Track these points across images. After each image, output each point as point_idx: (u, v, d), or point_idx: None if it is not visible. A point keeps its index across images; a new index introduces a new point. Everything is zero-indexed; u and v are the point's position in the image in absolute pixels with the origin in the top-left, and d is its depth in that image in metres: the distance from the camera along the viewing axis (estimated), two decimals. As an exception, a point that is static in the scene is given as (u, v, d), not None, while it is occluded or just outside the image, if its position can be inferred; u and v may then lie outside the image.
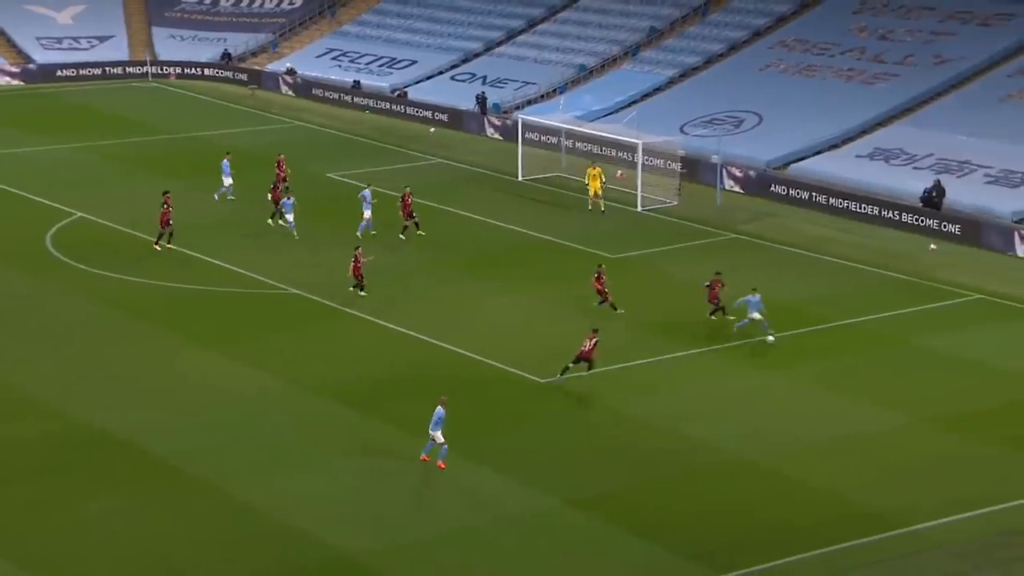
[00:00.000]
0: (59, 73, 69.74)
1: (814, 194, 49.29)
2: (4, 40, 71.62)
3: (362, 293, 38.18)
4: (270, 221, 44.87)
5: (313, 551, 25.46)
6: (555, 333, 36.44)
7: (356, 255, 38.30)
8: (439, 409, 28.31)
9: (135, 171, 52.79)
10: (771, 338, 35.33)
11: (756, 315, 35.63)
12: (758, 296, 35.67)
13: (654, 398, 32.45)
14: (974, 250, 44.49)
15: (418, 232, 44.43)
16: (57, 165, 54.14)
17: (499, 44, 68.42)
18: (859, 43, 59.63)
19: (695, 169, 51.69)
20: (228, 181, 47.94)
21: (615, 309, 37.28)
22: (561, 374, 32.58)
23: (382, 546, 25.64)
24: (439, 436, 28.20)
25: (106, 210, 46.90)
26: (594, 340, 32.46)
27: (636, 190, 49.23)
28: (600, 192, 48.10)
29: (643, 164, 49.63)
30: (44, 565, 24.75)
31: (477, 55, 67.96)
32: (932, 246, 44.76)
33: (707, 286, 36.95)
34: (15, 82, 68.92)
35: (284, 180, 47.11)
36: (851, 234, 46.35)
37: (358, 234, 43.92)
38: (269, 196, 45.55)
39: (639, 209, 48.91)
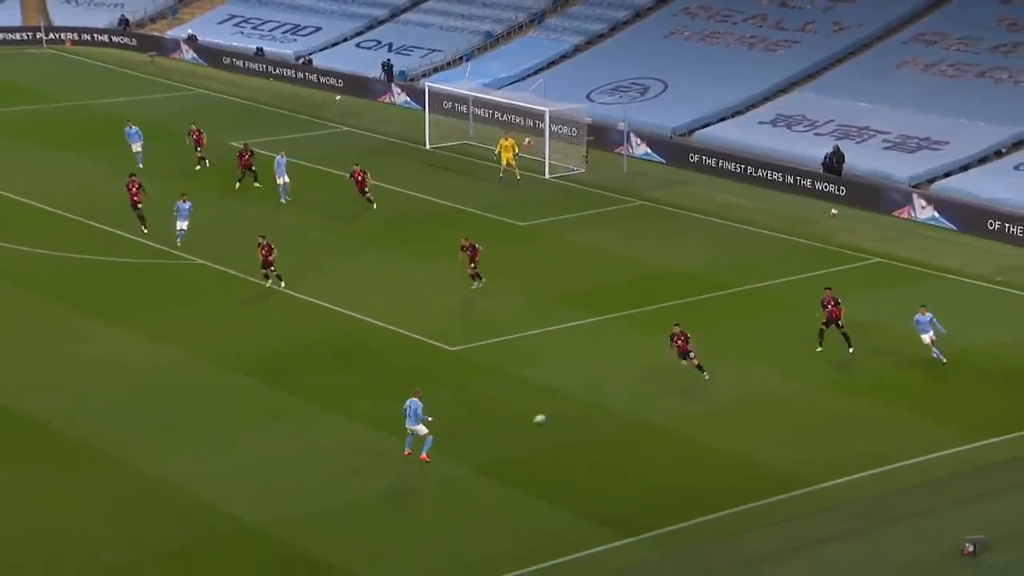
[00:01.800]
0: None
1: (719, 160, 50.01)
2: None
3: (282, 284, 36.86)
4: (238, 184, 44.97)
5: (221, 523, 25.49)
6: (464, 301, 36.71)
7: (261, 242, 36.59)
8: (414, 401, 27.56)
9: (29, 140, 51.79)
10: (942, 358, 32.25)
11: (928, 337, 32.40)
12: (929, 315, 32.48)
13: (558, 365, 32.85)
14: (873, 215, 45.57)
15: (372, 206, 43.93)
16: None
17: (404, 11, 68.10)
18: (761, 10, 60.41)
19: (602, 136, 52.15)
20: (137, 148, 47.31)
21: (474, 281, 36.68)
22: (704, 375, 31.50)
23: (292, 515, 25.76)
24: (420, 429, 27.52)
25: None
26: (680, 337, 30.99)
27: (544, 158, 49.56)
28: (513, 162, 48.31)
29: (550, 132, 49.94)
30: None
31: (382, 22, 67.60)
32: (833, 211, 45.74)
33: (823, 305, 33.07)
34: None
35: (251, 157, 45.55)
36: (755, 200, 47.15)
37: (282, 201, 43.93)
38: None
39: (547, 177, 49.27)
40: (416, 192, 46.96)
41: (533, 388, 31.51)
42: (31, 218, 42.97)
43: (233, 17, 70.65)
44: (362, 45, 65.69)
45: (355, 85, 61.13)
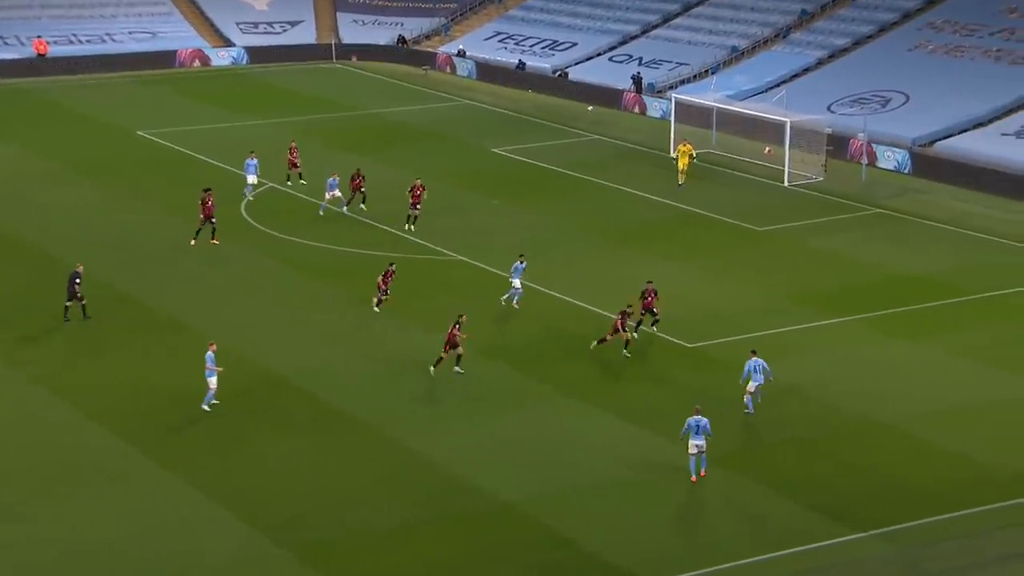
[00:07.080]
0: (254, 55, 71.46)
1: (959, 170, 47.43)
2: (208, 25, 73.87)
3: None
4: (346, 209, 42.67)
5: (472, 499, 25.66)
6: (703, 300, 35.95)
7: (389, 268, 34.85)
8: (695, 418, 25.83)
9: (319, 145, 53.79)
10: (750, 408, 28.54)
11: (753, 386, 28.58)
12: (757, 360, 28.62)
13: (792, 363, 31.74)
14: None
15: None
16: (249, 139, 55.48)
17: (655, 27, 67.55)
18: (1008, 24, 57.04)
19: (841, 146, 50.22)
20: (252, 180, 45.29)
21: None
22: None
23: (536, 494, 25.71)
24: (692, 446, 25.84)
25: (292, 180, 47.91)
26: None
27: (783, 166, 48.13)
28: (686, 168, 46.91)
29: (790, 141, 48.45)
30: (227, 495, 25.50)
31: (634, 37, 67.22)
32: (1076, 222, 42.66)
33: (642, 295, 32.60)
34: (219, 62, 70.79)
35: (362, 181, 43.20)
36: (994, 209, 44.55)
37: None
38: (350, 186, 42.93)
39: (786, 184, 47.82)
40: (658, 196, 46.35)
41: (768, 385, 30.46)
42: (313, 213, 44.38)
43: (498, 34, 71.68)
44: (614, 59, 65.47)
45: (606, 96, 60.95)
